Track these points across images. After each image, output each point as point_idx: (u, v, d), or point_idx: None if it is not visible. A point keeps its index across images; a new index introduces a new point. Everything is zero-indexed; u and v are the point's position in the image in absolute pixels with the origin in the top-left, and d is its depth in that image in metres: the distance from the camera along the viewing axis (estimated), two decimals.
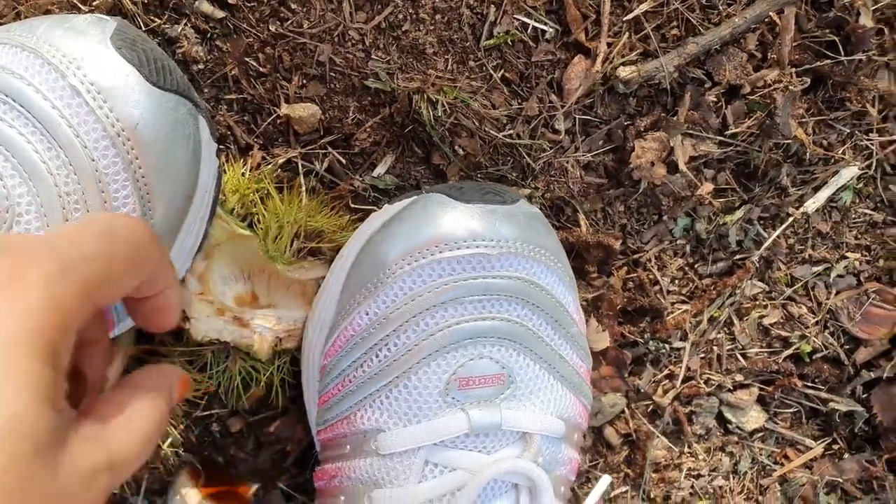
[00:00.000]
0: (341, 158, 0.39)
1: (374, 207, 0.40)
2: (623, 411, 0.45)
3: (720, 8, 0.36)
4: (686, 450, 0.47)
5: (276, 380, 0.41)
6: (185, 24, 0.36)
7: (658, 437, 0.45)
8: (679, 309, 0.43)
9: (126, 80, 0.29)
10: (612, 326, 0.39)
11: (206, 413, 0.42)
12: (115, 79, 0.29)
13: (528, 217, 0.33)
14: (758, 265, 0.41)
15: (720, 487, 0.48)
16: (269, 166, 0.38)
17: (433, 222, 0.31)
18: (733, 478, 0.48)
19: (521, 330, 0.32)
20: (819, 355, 0.43)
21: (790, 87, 0.35)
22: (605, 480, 0.35)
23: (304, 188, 0.39)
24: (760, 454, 0.47)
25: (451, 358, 0.31)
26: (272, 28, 0.36)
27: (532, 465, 0.31)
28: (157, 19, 0.36)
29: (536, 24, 0.36)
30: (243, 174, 0.38)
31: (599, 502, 0.36)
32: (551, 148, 0.39)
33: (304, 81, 0.37)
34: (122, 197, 0.29)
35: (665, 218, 0.41)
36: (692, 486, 0.48)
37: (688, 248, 0.42)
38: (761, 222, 0.41)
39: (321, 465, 0.36)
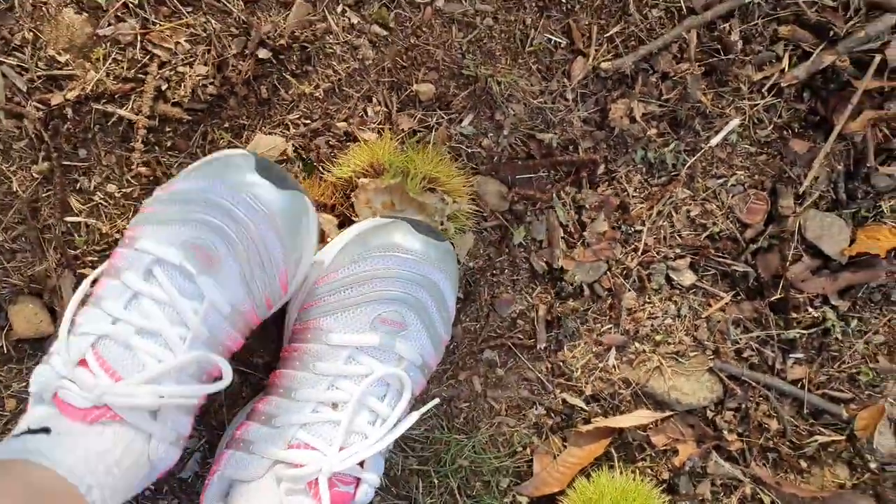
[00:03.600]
0: (444, 115, 0.68)
1: (464, 146, 0.69)
2: (605, 272, 0.74)
3: (657, 30, 0.66)
4: (647, 299, 0.75)
5: None
6: (364, 38, 0.65)
7: (628, 290, 0.74)
8: (639, 206, 0.71)
9: (267, 190, 0.53)
10: (609, 218, 0.68)
11: None
12: (262, 190, 0.53)
13: (447, 251, 0.58)
14: (685, 179, 0.70)
15: (669, 325, 0.75)
16: (413, 139, 0.67)
17: (399, 236, 0.56)
18: (677, 319, 0.76)
19: (420, 305, 0.56)
20: (724, 234, 0.72)
21: (694, 73, 0.64)
22: (434, 401, 0.57)
23: (431, 143, 0.68)
24: (693, 303, 0.74)
25: (382, 306, 0.55)
26: (411, 41, 0.66)
27: (404, 373, 0.54)
28: (348, 35, 0.65)
29: (556, 39, 0.66)
30: (391, 152, 0.65)
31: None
32: (564, 109, 0.68)
33: (426, 71, 0.66)
34: (273, 243, 0.53)
35: (630, 150, 0.70)
36: (652, 325, 0.75)
37: (643, 168, 0.71)
38: (685, 153, 0.70)
39: (289, 344, 0.58)
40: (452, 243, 0.64)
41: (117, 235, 0.68)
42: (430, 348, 0.59)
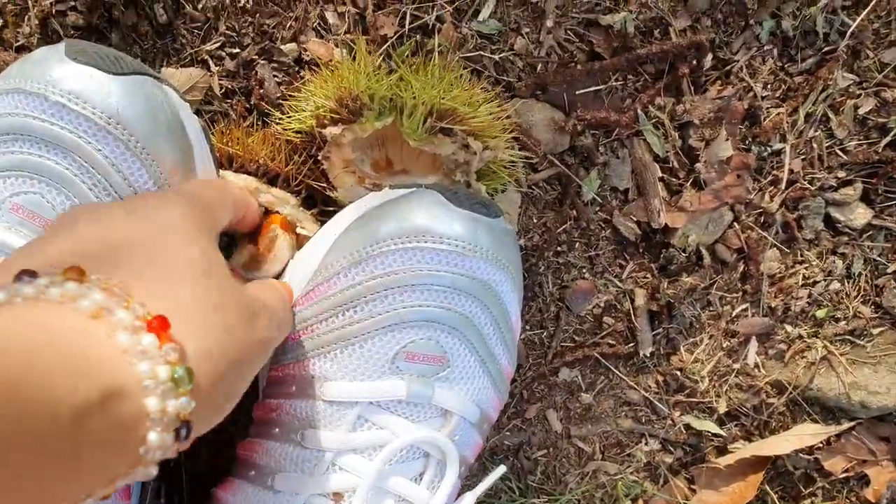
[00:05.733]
0: (447, 4, 0.43)
1: (487, 52, 0.44)
2: (731, 224, 0.48)
3: None
4: (798, 257, 0.49)
5: None
6: None
7: (770, 243, 0.48)
8: (774, 112, 0.45)
9: (93, 80, 0.34)
10: (733, 135, 0.42)
11: None
12: (84, 82, 0.34)
13: (504, 232, 0.38)
14: (846, 55, 0.44)
15: (837, 293, 0.50)
16: (403, 49, 0.42)
17: (426, 214, 0.36)
18: (848, 281, 0.50)
19: (469, 325, 0.37)
20: None
21: None
22: (500, 470, 0.39)
23: (434, 53, 0.43)
24: (871, 252, 0.49)
25: (407, 333, 0.36)
26: None
27: (447, 440, 0.36)
28: None
29: None
30: (370, 75, 0.41)
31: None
32: None
33: None
34: (136, 171, 0.34)
35: (752, 23, 0.44)
36: (809, 295, 0.50)
37: (775, 51, 0.45)
38: (845, 11, 0.43)
39: (263, 399, 0.40)
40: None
41: None
42: (490, 391, 0.39)
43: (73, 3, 0.41)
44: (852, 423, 0.52)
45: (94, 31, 0.42)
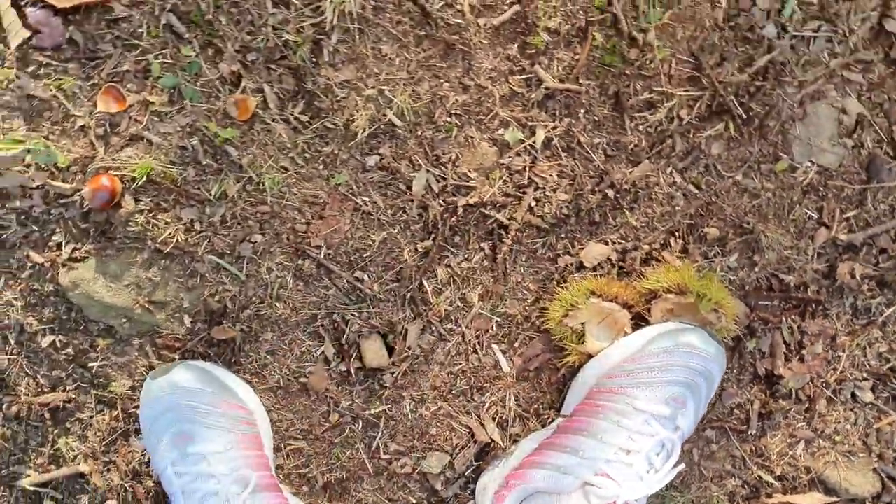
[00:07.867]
0: (720, 251, 0.94)
1: (731, 275, 0.95)
2: (808, 382, 0.98)
3: (881, 217, 0.94)
4: (834, 408, 0.99)
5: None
6: (680, 191, 0.92)
7: (823, 398, 0.98)
8: (844, 338, 0.97)
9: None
10: (823, 343, 0.94)
11: None
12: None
13: (723, 353, 0.78)
14: (880, 324, 0.96)
15: (848, 430, 0.98)
16: (704, 268, 0.93)
17: (699, 339, 0.77)
18: (854, 426, 0.99)
19: (699, 392, 0.77)
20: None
21: None
22: (682, 467, 0.75)
23: (716, 272, 0.93)
24: (868, 416, 0.98)
25: (676, 388, 0.76)
26: (712, 199, 0.92)
27: (678, 439, 0.75)
28: (670, 188, 0.92)
29: (810, 213, 0.93)
30: (691, 278, 0.92)
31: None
32: (803, 260, 0.95)
33: (717, 220, 0.93)
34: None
35: (845, 297, 0.96)
36: (835, 428, 0.98)
37: (851, 311, 0.97)
38: (884, 305, 0.96)
39: (589, 400, 0.81)
40: None
41: (458, 303, 0.92)
42: (693, 425, 0.83)
43: (567, 204, 0.91)
44: (838, 500, 0.98)
45: (567, 216, 0.92)
